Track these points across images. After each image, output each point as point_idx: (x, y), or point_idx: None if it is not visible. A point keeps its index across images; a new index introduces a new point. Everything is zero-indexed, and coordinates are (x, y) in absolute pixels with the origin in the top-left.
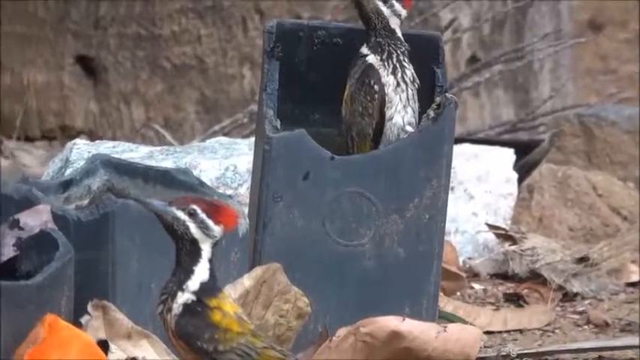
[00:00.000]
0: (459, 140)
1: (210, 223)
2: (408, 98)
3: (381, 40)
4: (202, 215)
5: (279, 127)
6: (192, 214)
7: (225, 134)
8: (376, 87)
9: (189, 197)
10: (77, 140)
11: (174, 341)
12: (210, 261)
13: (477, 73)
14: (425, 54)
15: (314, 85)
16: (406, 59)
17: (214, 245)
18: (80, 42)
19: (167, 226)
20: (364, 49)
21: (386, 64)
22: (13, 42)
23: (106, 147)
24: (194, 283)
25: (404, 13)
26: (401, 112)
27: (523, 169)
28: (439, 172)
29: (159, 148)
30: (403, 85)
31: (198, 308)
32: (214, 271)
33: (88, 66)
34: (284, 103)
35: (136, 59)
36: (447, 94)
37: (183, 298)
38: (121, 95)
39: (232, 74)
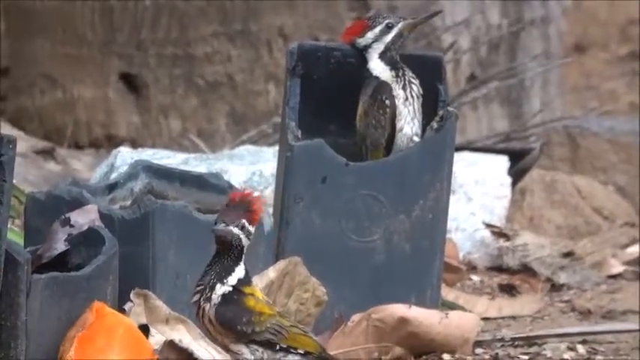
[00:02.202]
0: (459, 148)
1: (251, 229)
2: (415, 111)
3: (396, 57)
4: (248, 226)
5: (300, 136)
6: (243, 228)
7: (253, 143)
8: (387, 102)
9: (237, 213)
10: (121, 148)
11: (211, 327)
12: (245, 261)
13: (475, 89)
14: (429, 72)
15: (331, 100)
16: (413, 75)
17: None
18: (124, 61)
19: (223, 242)
20: (378, 65)
21: (399, 79)
22: (65, 62)
23: (146, 154)
24: (233, 278)
25: None
26: (409, 124)
27: (516, 174)
28: (442, 177)
29: (193, 155)
30: (411, 99)
31: (234, 296)
32: (247, 267)
33: (130, 82)
34: (304, 116)
35: (173, 77)
36: (448, 107)
37: (222, 289)
38: (159, 108)
39: (259, 90)
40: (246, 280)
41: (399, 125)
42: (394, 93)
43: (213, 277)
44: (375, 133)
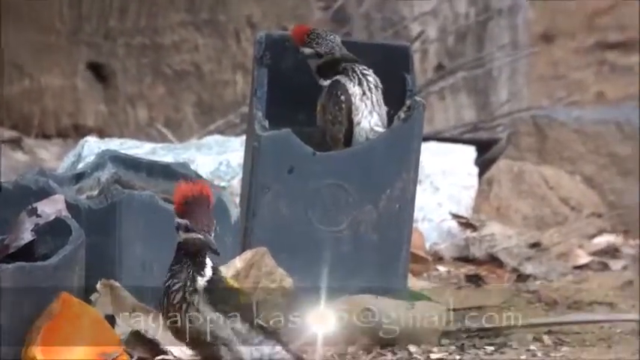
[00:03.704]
0: (427, 138)
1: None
2: (373, 104)
3: (336, 68)
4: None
5: (267, 126)
6: (214, 230)
7: (220, 133)
8: (343, 97)
9: (205, 217)
10: (88, 138)
11: (199, 315)
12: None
13: (442, 79)
14: (396, 62)
15: (298, 89)
16: (365, 68)
17: None
18: (92, 50)
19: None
20: (320, 76)
21: (351, 77)
22: (33, 50)
23: (114, 144)
24: (208, 269)
25: None
26: (367, 117)
27: (483, 164)
28: (409, 167)
29: (161, 145)
30: (368, 93)
31: (218, 281)
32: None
33: (98, 72)
34: (272, 105)
35: (140, 66)
36: (415, 97)
37: (204, 280)
38: (127, 98)
39: (226, 80)
40: (215, 269)
41: (356, 119)
42: (350, 92)
43: (190, 271)
44: (333, 128)
